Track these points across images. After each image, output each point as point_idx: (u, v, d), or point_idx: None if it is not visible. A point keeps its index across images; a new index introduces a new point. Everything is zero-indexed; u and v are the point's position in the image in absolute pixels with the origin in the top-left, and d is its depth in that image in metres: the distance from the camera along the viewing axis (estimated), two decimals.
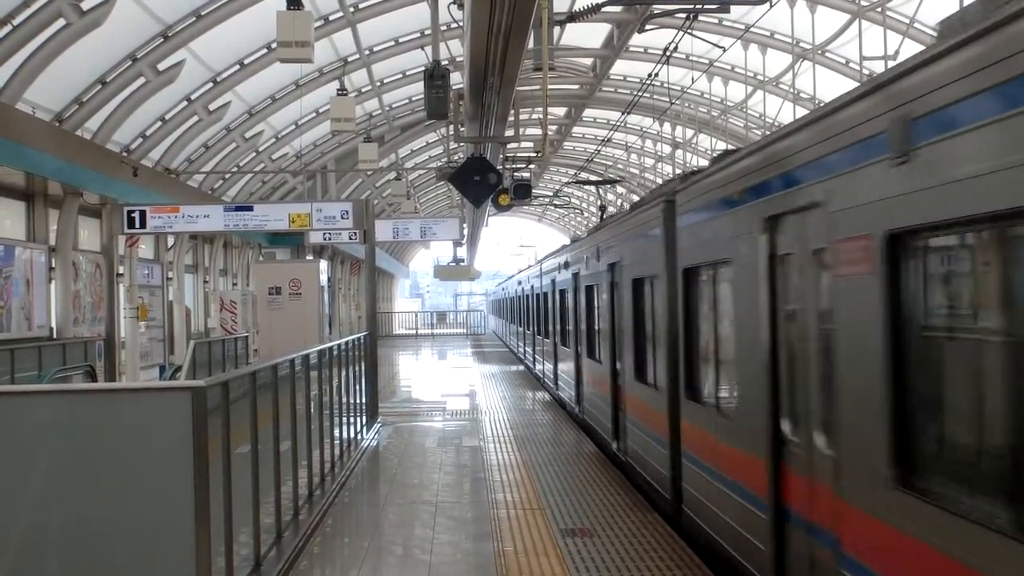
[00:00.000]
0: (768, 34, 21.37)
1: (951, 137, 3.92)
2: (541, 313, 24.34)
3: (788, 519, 6.01)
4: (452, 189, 27.69)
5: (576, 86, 27.54)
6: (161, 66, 17.69)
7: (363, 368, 15.14)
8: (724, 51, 19.59)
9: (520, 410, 18.03)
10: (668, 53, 16.51)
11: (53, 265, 18.18)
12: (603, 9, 13.92)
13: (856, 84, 6.65)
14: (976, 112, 3.73)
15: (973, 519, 3.75)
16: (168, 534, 5.46)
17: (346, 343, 13.51)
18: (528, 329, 29.21)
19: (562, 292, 19.17)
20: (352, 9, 19.69)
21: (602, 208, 22.28)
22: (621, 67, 25.87)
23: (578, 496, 10.19)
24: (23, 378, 14.23)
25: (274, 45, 16.95)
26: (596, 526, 8.88)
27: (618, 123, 26.56)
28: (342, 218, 16.68)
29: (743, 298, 6.78)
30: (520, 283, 33.15)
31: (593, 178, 30.54)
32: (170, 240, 24.52)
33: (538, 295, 25.29)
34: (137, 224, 16.66)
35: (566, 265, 17.89)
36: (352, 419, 13.60)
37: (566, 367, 18.49)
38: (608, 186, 32.96)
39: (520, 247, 75.81)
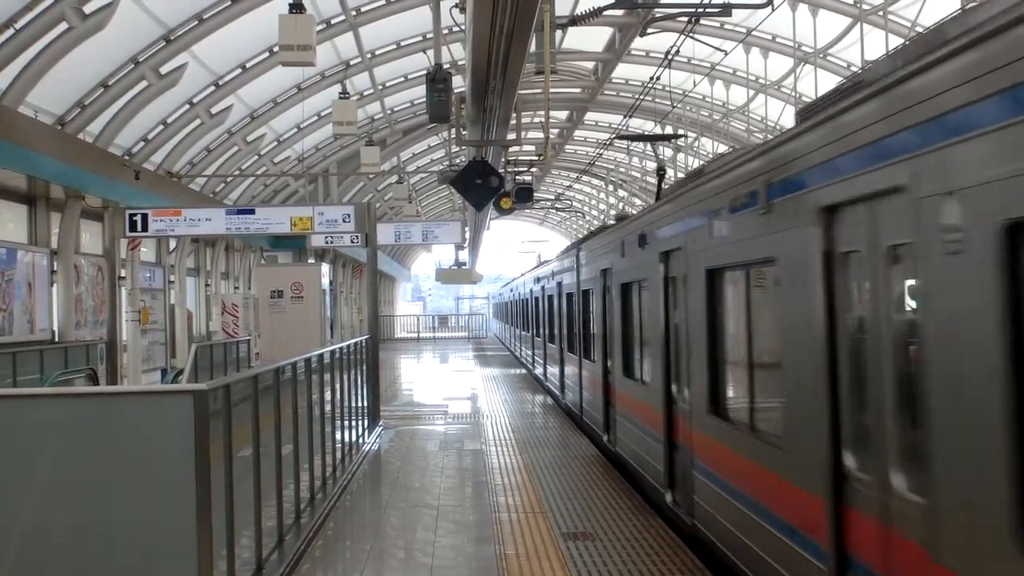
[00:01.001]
0: (770, 38, 21.37)
1: None
2: (579, 327, 16.54)
3: None
4: (454, 192, 27.70)
5: (578, 89, 27.55)
6: (163, 69, 17.70)
7: (365, 371, 15.13)
8: (726, 55, 19.62)
9: (522, 413, 18.01)
10: (670, 57, 16.51)
11: (55, 268, 18.18)
12: (605, 13, 13.94)
13: None
14: None
15: None
16: (170, 537, 5.46)
17: (348, 346, 13.50)
18: (550, 340, 22.00)
19: (624, 291, 12.02)
20: (354, 12, 19.70)
21: (661, 171, 16.92)
22: (623, 71, 25.88)
23: (580, 500, 10.18)
24: (25, 381, 14.24)
25: (276, 48, 16.92)
26: (598, 530, 8.87)
27: (620, 126, 26.56)
28: (344, 221, 16.66)
29: None
30: (540, 280, 23.78)
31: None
32: (172, 243, 24.53)
33: (569, 295, 18.04)
34: (139, 227, 16.66)
35: (640, 242, 10.67)
36: (354, 422, 13.59)
37: (634, 419, 11.40)
38: (667, 143, 27.03)
39: (525, 242, 75.74)
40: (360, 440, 13.83)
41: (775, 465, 6.24)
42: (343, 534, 9.38)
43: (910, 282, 4.54)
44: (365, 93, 24.48)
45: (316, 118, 24.81)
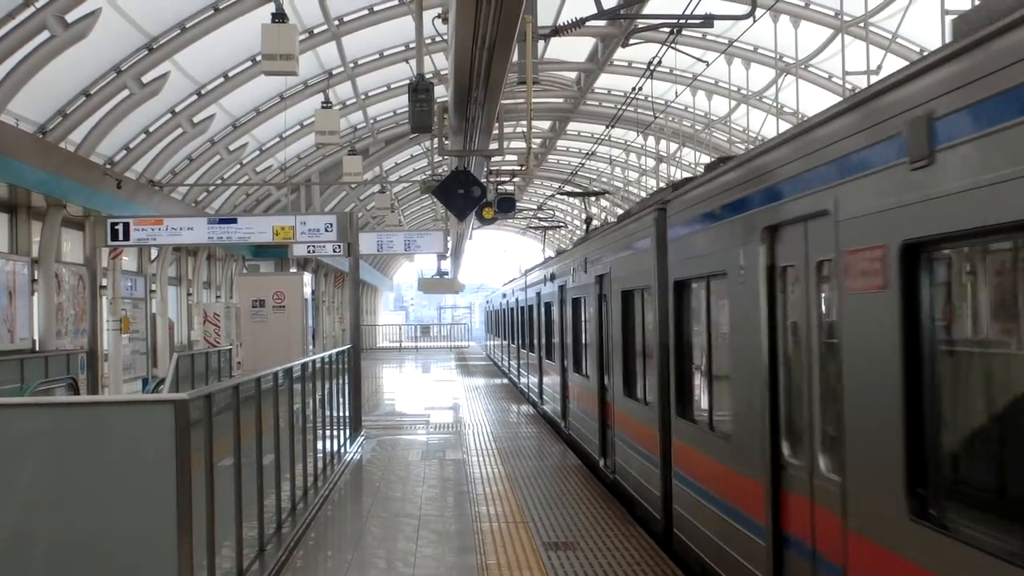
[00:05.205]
0: (751, 49, 21.48)
1: None
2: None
3: None
4: (436, 202, 27.71)
5: (560, 100, 27.62)
6: (145, 78, 17.64)
7: (347, 381, 15.11)
8: (708, 65, 19.67)
9: (503, 423, 18.02)
10: (652, 67, 16.59)
11: (36, 277, 18.08)
12: (587, 23, 13.98)
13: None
14: None
15: None
16: (151, 547, 5.45)
17: (330, 356, 13.49)
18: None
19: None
20: (337, 22, 19.70)
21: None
22: (605, 81, 25.96)
23: (561, 509, 10.19)
24: (5, 391, 14.14)
25: (259, 58, 16.93)
26: (580, 539, 8.89)
27: (602, 137, 26.63)
28: (326, 231, 16.66)
29: None
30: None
31: None
32: (153, 252, 24.43)
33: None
34: (120, 236, 16.61)
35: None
36: (336, 432, 13.57)
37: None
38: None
39: (508, 251, 75.74)
40: (342, 450, 13.82)
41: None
42: (324, 544, 9.37)
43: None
44: (348, 102, 24.48)
45: (298, 127, 24.78)
